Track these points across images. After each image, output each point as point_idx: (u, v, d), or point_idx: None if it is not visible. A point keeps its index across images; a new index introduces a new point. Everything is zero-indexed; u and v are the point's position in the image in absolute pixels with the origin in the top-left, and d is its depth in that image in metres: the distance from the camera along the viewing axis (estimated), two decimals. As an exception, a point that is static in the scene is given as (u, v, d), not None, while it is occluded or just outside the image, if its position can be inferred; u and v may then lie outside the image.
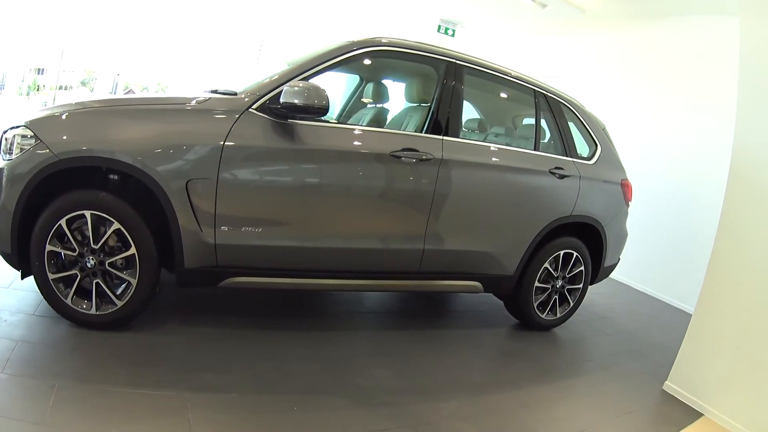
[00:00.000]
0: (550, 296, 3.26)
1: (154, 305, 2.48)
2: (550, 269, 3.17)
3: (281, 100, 2.20)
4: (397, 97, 3.28)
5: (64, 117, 2.11)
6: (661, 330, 3.93)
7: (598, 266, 3.46)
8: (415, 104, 3.02)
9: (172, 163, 2.09)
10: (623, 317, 4.10)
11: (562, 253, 3.18)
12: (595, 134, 3.44)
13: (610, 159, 3.47)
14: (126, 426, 1.61)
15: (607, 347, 3.37)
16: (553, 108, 3.22)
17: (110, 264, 2.14)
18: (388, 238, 2.65)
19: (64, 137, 2.04)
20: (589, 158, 3.33)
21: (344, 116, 3.65)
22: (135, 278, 2.15)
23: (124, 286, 2.19)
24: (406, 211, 2.64)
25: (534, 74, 3.39)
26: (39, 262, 2.08)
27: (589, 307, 4.08)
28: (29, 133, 2.03)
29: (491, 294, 3.22)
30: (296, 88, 2.17)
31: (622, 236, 3.63)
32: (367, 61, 2.95)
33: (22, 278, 2.16)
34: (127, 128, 2.09)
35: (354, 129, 2.77)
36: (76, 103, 2.16)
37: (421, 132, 2.69)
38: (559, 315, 3.34)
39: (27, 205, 2.03)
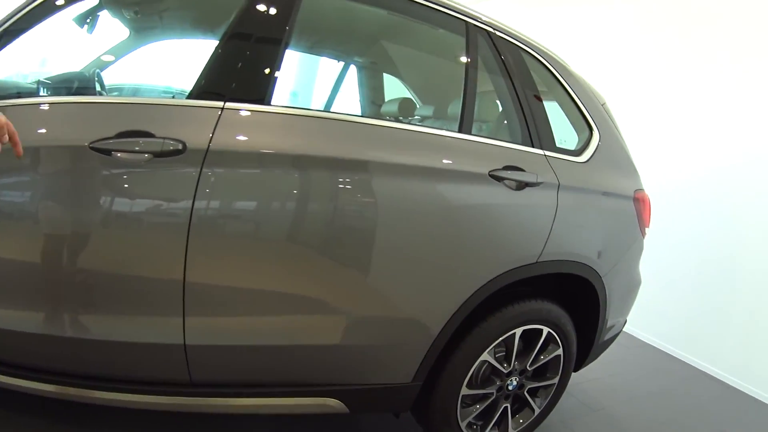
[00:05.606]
0: (494, 404, 1.78)
1: None
2: (495, 363, 1.68)
3: None
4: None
5: None
6: (685, 427, 2.42)
7: (590, 342, 1.98)
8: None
9: None
10: (629, 405, 2.58)
11: (519, 331, 1.69)
12: (590, 111, 1.94)
13: (615, 154, 1.97)
14: None
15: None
16: (506, 58, 1.72)
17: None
18: (106, 319, 1.22)
19: None
20: (578, 152, 1.83)
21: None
22: None
23: None
24: (134, 261, 1.21)
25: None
26: None
27: (574, 386, 2.59)
28: None
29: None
30: None
31: (633, 287, 2.14)
32: None
33: None
34: None
35: (41, 104, 1.28)
36: None
37: (183, 99, 1.26)
38: (512, 432, 1.86)
39: None
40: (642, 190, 2.06)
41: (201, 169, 1.16)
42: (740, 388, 2.99)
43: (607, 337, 2.06)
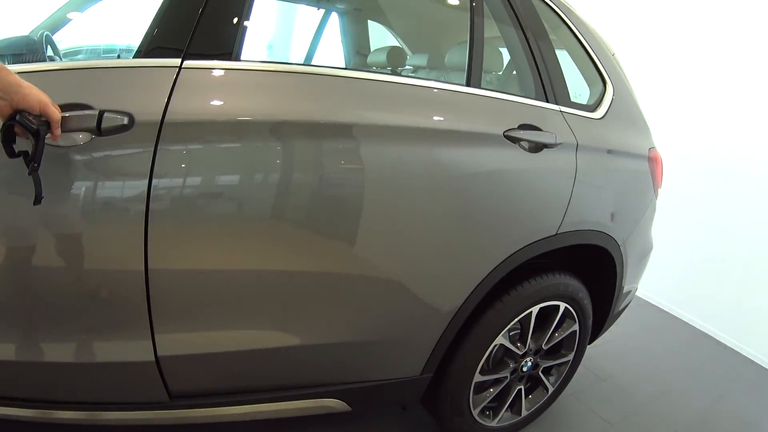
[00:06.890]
0: (508, 388, 1.64)
1: None
2: (509, 345, 1.53)
3: None
4: None
5: None
6: (693, 397, 2.36)
7: (605, 314, 1.85)
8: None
9: None
10: (635, 371, 2.49)
11: (536, 310, 1.53)
12: (602, 62, 1.74)
13: (629, 110, 1.79)
14: None
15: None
16: (515, 4, 1.49)
17: None
18: (63, 339, 1.01)
19: None
20: (593, 107, 1.64)
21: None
22: None
23: None
24: (82, 273, 0.97)
25: None
26: None
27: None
28: None
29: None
30: None
31: (647, 251, 2.00)
32: None
33: None
34: None
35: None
36: None
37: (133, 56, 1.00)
38: (525, 413, 1.74)
39: None
40: (655, 148, 1.89)
41: (155, 149, 0.92)
42: (737, 349, 2.96)
43: (622, 306, 1.93)
